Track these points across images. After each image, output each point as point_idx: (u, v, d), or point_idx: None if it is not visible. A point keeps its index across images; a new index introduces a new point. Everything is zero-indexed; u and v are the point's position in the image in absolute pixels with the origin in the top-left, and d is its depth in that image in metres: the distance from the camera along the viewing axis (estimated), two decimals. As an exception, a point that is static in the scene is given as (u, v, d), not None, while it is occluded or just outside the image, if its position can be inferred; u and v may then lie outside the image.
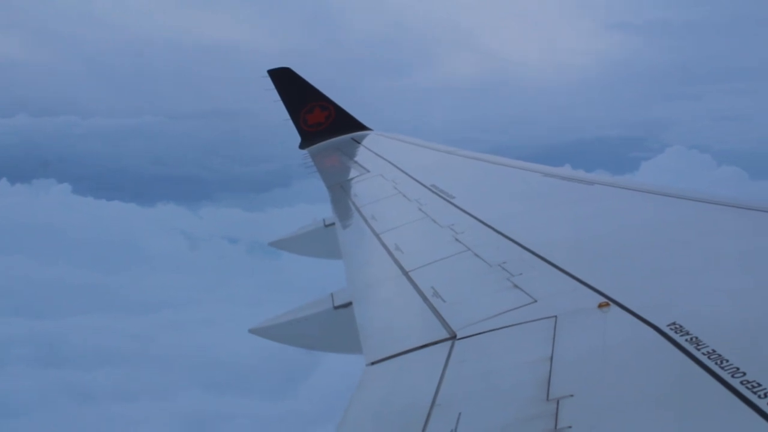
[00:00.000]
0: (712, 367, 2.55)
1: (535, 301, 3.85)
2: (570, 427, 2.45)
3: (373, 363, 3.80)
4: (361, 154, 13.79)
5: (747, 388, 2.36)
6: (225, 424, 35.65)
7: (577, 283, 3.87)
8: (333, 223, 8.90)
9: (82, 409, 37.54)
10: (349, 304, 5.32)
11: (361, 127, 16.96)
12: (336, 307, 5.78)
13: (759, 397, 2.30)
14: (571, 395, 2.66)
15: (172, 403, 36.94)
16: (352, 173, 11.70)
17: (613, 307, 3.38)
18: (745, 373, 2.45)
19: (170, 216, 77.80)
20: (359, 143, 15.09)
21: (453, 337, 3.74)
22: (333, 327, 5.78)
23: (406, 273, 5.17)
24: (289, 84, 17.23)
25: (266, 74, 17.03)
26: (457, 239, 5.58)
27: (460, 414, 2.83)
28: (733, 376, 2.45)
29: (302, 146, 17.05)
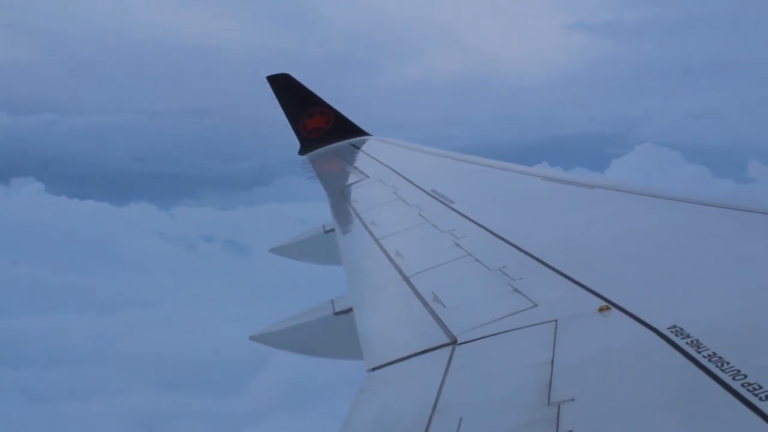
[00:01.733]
0: (713, 369, 2.55)
1: (536, 305, 3.85)
2: (571, 431, 2.44)
3: (373, 369, 3.80)
4: (361, 160, 13.80)
5: (748, 390, 2.36)
6: (174, 422, 36.04)
7: (578, 287, 3.86)
8: (333, 229, 8.89)
9: (33, 408, 37.85)
10: (350, 309, 5.31)
11: (361, 132, 16.96)
12: (336, 313, 5.77)
13: (760, 399, 2.30)
14: (572, 399, 2.65)
15: (126, 402, 37.37)
16: (352, 179, 11.70)
17: (614, 311, 3.38)
18: (746, 376, 2.45)
19: (143, 215, 78.23)
20: (358, 149, 15.10)
21: (453, 342, 3.74)
22: (333, 333, 5.76)
23: (406, 278, 5.17)
24: (288, 90, 17.25)
25: (263, 78, 17.04)
26: (457, 244, 5.58)
27: (461, 419, 2.83)
28: (734, 379, 2.45)
29: (301, 152, 17.05)
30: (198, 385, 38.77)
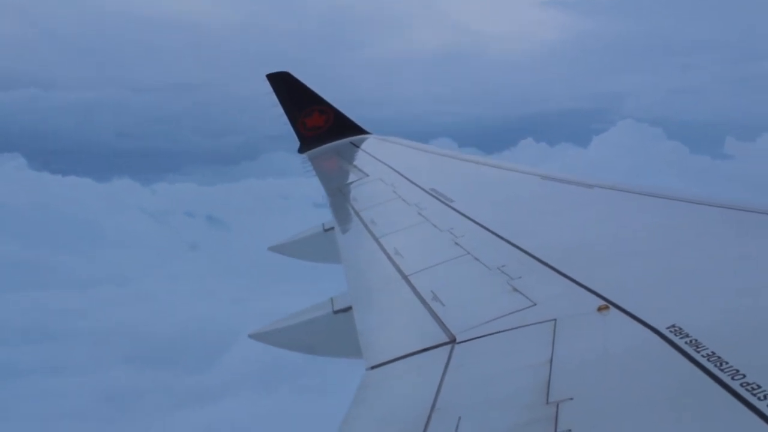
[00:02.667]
0: (712, 369, 2.55)
1: (535, 304, 3.85)
2: (570, 430, 2.44)
3: (372, 367, 3.80)
4: (360, 158, 13.80)
5: (747, 390, 2.36)
6: (143, 398, 36.49)
7: (577, 286, 3.87)
8: (332, 228, 8.89)
9: (5, 384, 37.99)
10: (349, 308, 5.32)
11: (360, 131, 16.98)
12: (336, 312, 5.78)
13: (759, 399, 2.30)
14: (571, 398, 2.66)
15: (97, 378, 37.74)
16: (351, 177, 11.70)
17: (613, 310, 3.38)
18: (744, 375, 2.45)
19: (125, 191, 78.81)
20: (358, 147, 15.11)
21: (452, 340, 3.74)
22: (333, 331, 5.77)
23: (405, 277, 5.17)
24: (287, 88, 17.25)
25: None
26: (456, 243, 5.58)
27: (459, 418, 2.83)
28: (733, 378, 2.45)
29: (301, 150, 17.07)
30: (169, 360, 39.41)
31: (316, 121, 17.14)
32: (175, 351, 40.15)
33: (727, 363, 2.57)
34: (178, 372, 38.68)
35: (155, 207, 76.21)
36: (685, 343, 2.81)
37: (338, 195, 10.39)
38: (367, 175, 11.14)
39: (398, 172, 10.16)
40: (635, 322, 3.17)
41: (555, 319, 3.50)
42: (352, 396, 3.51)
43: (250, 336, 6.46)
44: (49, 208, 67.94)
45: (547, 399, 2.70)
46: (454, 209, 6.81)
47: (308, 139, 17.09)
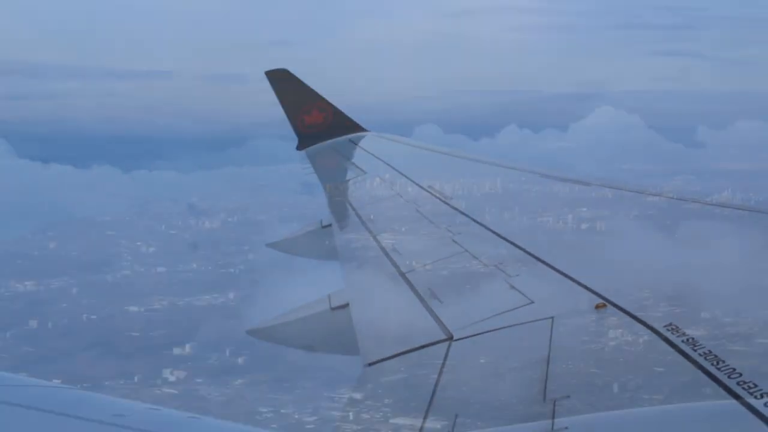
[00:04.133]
0: (709, 368, 2.56)
1: (532, 302, 3.85)
2: (566, 428, 2.45)
3: (370, 364, 3.80)
4: (359, 156, 13.80)
5: (743, 388, 2.37)
6: (105, 386, 36.58)
7: (574, 284, 3.87)
8: (330, 224, 8.88)
9: None
10: (346, 305, 5.31)
11: (359, 128, 16.96)
12: (333, 309, 5.77)
13: (755, 397, 2.30)
14: (568, 396, 2.66)
15: (63, 368, 37.68)
16: (350, 174, 11.70)
17: (610, 308, 3.39)
18: (741, 374, 2.46)
19: (104, 178, 79.08)
20: (356, 144, 15.09)
21: (450, 338, 3.74)
22: (330, 328, 5.76)
23: (403, 274, 5.17)
24: (286, 85, 17.22)
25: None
26: (453, 240, 5.58)
27: (456, 415, 2.83)
28: (729, 377, 2.46)
29: (299, 147, 17.03)
30: (142, 348, 39.50)
31: (314, 118, 17.11)
32: (150, 338, 40.29)
33: (723, 362, 2.57)
34: (150, 360, 38.84)
35: (135, 193, 76.52)
36: (682, 341, 2.81)
37: (336, 192, 10.39)
38: (365, 173, 11.13)
39: (396, 170, 10.16)
40: (632, 320, 3.17)
41: (552, 317, 3.50)
42: (345, 391, 3.51)
43: (248, 332, 6.45)
44: (30, 194, 68.26)
45: (545, 396, 2.70)
46: (452, 206, 6.82)
47: (307, 136, 17.05)
